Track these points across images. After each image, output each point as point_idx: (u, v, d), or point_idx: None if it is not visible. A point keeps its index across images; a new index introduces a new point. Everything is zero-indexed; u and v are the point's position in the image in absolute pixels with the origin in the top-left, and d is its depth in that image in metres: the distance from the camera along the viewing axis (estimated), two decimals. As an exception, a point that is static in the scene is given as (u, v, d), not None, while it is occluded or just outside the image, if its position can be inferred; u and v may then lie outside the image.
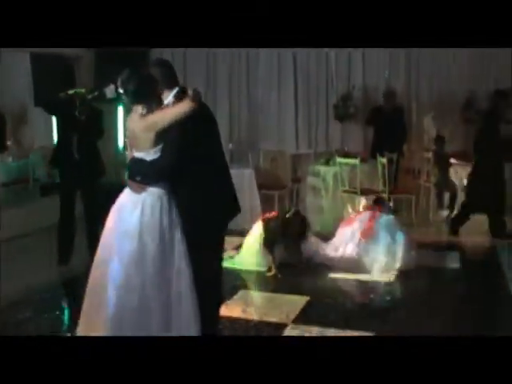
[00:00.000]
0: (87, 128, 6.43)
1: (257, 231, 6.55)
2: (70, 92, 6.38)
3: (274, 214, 6.77)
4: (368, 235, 6.51)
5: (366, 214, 6.79)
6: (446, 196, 8.76)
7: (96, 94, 6.58)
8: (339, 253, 6.60)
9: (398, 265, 6.31)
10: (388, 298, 5.73)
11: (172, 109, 3.85)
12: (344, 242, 6.64)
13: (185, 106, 3.77)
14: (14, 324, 4.97)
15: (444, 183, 8.69)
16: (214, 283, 4.11)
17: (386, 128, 8.83)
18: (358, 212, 7.13)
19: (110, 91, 6.89)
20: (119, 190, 4.03)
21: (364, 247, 6.47)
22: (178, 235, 3.86)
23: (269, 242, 6.37)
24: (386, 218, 6.66)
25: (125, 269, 3.80)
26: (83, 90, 6.43)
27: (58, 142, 6.61)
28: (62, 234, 6.60)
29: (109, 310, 3.83)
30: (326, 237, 7.01)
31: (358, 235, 6.56)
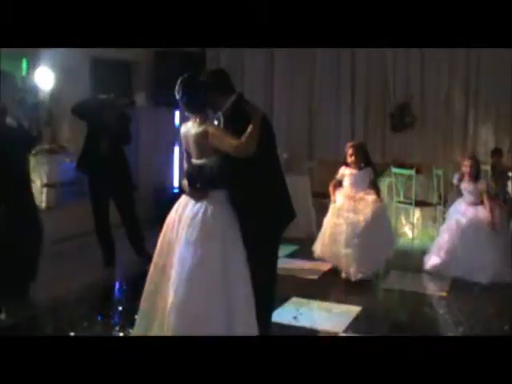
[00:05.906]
0: (115, 134, 6.39)
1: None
2: (101, 97, 6.44)
3: None
4: None
5: None
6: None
7: (127, 100, 6.63)
8: None
9: None
10: (441, 312, 5.62)
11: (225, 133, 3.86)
12: None
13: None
14: (68, 324, 5.00)
15: (501, 197, 8.48)
16: (268, 288, 4.13)
17: None
18: None
19: (140, 98, 6.97)
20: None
21: None
22: (237, 240, 3.88)
23: None
24: None
25: (187, 274, 3.78)
26: (113, 96, 6.45)
27: (85, 146, 6.52)
28: (99, 238, 6.67)
29: (171, 315, 3.81)
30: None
31: None
